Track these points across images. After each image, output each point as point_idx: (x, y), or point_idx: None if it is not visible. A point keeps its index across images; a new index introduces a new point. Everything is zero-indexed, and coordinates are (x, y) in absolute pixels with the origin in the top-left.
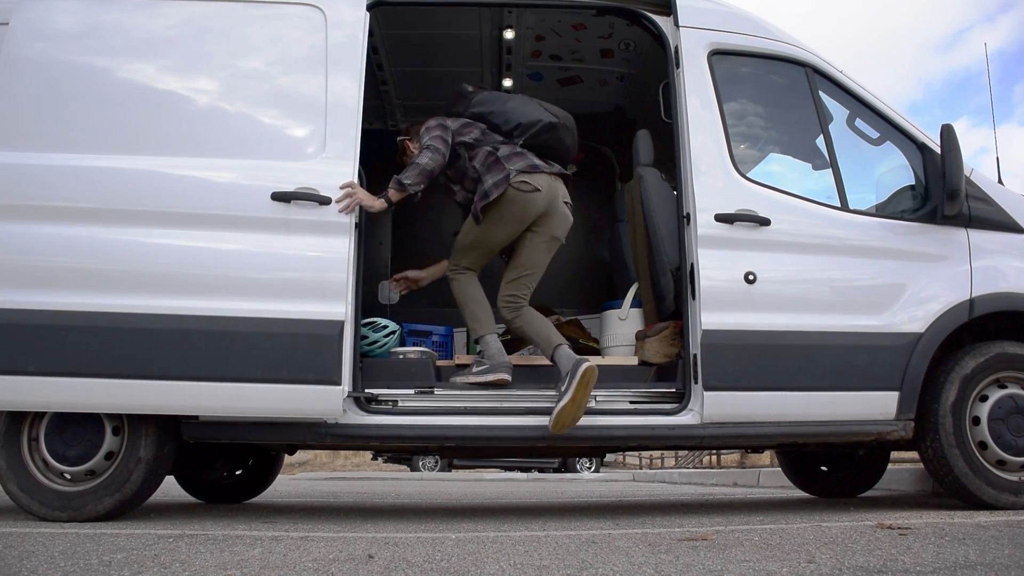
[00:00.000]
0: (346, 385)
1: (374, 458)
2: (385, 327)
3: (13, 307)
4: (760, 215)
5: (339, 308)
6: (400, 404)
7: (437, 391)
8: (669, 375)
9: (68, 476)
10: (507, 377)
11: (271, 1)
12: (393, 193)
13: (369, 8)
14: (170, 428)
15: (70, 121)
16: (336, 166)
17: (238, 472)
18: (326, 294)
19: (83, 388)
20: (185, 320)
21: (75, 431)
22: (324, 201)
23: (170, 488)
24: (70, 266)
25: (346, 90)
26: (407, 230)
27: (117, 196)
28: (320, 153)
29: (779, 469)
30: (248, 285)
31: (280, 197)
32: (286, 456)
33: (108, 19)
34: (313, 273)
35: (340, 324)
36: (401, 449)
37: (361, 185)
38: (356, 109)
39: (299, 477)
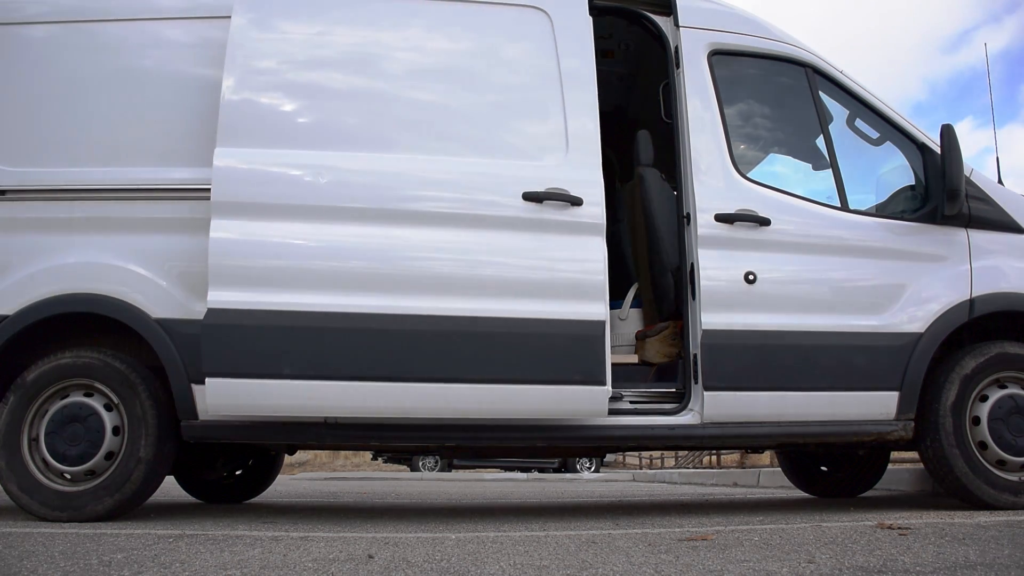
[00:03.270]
0: (609, 385)
1: (374, 458)
2: None
3: (267, 308)
4: (760, 215)
5: (600, 308)
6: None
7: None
8: (669, 375)
9: (68, 476)
10: None
11: (507, 4)
12: None
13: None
14: (170, 428)
15: (328, 120)
16: (580, 165)
17: (238, 472)
18: (588, 294)
19: (356, 392)
20: (446, 321)
21: (75, 431)
22: (576, 202)
23: (170, 488)
24: (329, 267)
25: (583, 87)
26: None
27: (374, 195)
28: (563, 153)
29: (779, 469)
30: (508, 285)
31: (532, 197)
32: (286, 456)
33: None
34: (573, 274)
35: (603, 324)
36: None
37: None
38: (593, 106)
39: (299, 477)
